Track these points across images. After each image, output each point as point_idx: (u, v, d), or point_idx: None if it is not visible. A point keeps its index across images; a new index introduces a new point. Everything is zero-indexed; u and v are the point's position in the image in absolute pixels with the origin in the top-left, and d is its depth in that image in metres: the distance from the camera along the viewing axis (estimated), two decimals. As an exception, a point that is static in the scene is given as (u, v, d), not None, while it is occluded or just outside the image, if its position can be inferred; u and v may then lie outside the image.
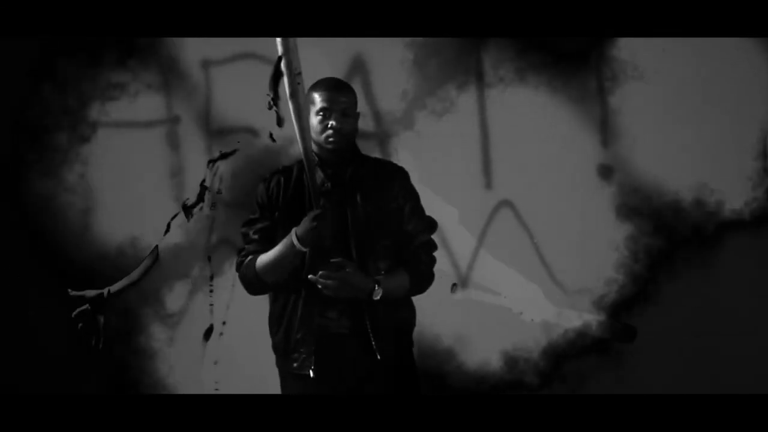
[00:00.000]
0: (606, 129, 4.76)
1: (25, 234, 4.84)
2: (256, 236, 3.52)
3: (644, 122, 4.74)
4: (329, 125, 3.43)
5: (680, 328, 4.73)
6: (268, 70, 4.79)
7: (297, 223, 3.41)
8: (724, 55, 4.69)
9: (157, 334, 4.85)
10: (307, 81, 3.44)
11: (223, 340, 4.81)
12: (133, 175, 4.84)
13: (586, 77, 4.75)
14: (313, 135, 3.47)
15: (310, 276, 3.33)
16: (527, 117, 4.76)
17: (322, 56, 4.67)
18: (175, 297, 4.86)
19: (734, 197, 4.72)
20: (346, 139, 3.47)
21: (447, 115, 4.75)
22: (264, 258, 3.44)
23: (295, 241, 3.36)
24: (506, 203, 4.78)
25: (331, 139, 3.44)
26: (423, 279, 3.52)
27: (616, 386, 4.73)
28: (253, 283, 3.48)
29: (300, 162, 3.54)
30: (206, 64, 4.83)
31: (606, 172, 4.77)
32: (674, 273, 4.74)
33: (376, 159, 3.62)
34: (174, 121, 4.85)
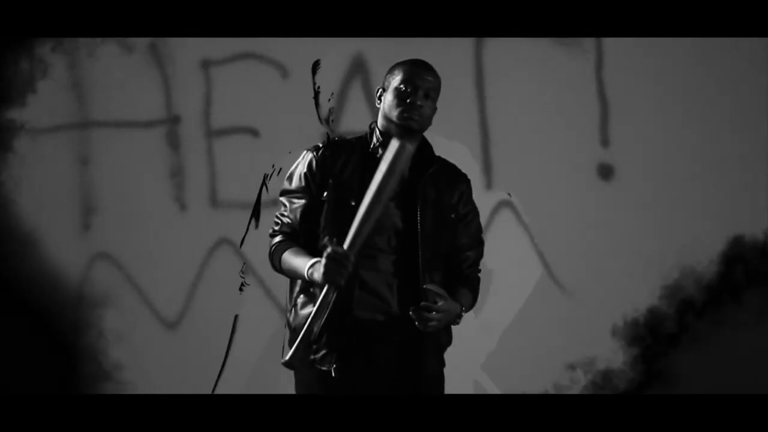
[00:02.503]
0: (606, 129, 4.76)
1: (24, 234, 4.84)
2: (290, 217, 3.15)
3: (644, 122, 4.74)
4: (408, 100, 3.11)
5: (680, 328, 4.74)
6: (268, 70, 4.79)
7: (348, 208, 3.04)
8: (724, 55, 4.69)
9: (156, 334, 4.85)
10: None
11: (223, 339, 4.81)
12: (133, 175, 4.84)
13: (586, 77, 4.75)
14: (386, 109, 3.14)
15: (411, 312, 2.99)
16: (527, 117, 4.76)
17: (322, 56, 4.67)
18: (173, 298, 4.86)
19: (735, 195, 4.72)
20: (421, 122, 3.14)
21: (446, 114, 4.75)
22: (287, 261, 3.11)
23: (312, 277, 3.02)
24: (506, 203, 4.78)
25: (405, 115, 3.10)
26: (477, 298, 3.29)
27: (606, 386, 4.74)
28: (280, 272, 3.17)
29: (361, 139, 3.20)
30: (206, 64, 4.83)
31: (606, 172, 4.77)
32: (675, 273, 4.75)
33: (442, 159, 3.30)
34: (174, 121, 4.85)
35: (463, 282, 3.24)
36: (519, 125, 4.76)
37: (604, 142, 4.77)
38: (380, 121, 3.18)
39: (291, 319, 3.17)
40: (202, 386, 4.75)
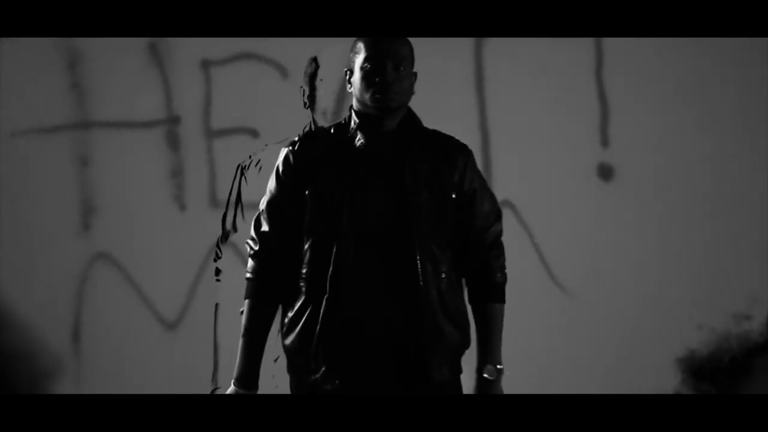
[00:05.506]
0: (606, 129, 4.76)
1: (24, 234, 4.84)
2: (267, 231, 2.88)
3: (644, 122, 4.74)
4: (378, 79, 2.76)
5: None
6: (269, 70, 4.79)
7: (331, 202, 2.79)
8: (724, 55, 4.69)
9: (156, 334, 4.86)
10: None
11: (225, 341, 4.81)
12: (133, 175, 4.84)
13: (587, 77, 4.75)
14: (356, 94, 2.83)
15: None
16: (527, 117, 4.76)
17: (322, 57, 4.67)
18: (173, 298, 4.86)
19: (735, 195, 4.72)
20: (399, 97, 2.79)
21: (447, 114, 4.75)
22: (244, 317, 2.96)
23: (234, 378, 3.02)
24: (506, 203, 4.77)
25: (377, 96, 2.76)
26: (505, 280, 2.99)
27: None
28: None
29: (340, 126, 2.88)
30: (206, 64, 4.83)
31: (606, 172, 4.77)
32: (675, 272, 4.75)
33: (435, 132, 2.93)
34: (174, 121, 4.85)
35: (480, 275, 2.94)
36: (519, 125, 4.76)
37: (604, 142, 4.77)
38: (355, 105, 2.88)
39: (284, 342, 3.00)
40: (202, 386, 4.75)
